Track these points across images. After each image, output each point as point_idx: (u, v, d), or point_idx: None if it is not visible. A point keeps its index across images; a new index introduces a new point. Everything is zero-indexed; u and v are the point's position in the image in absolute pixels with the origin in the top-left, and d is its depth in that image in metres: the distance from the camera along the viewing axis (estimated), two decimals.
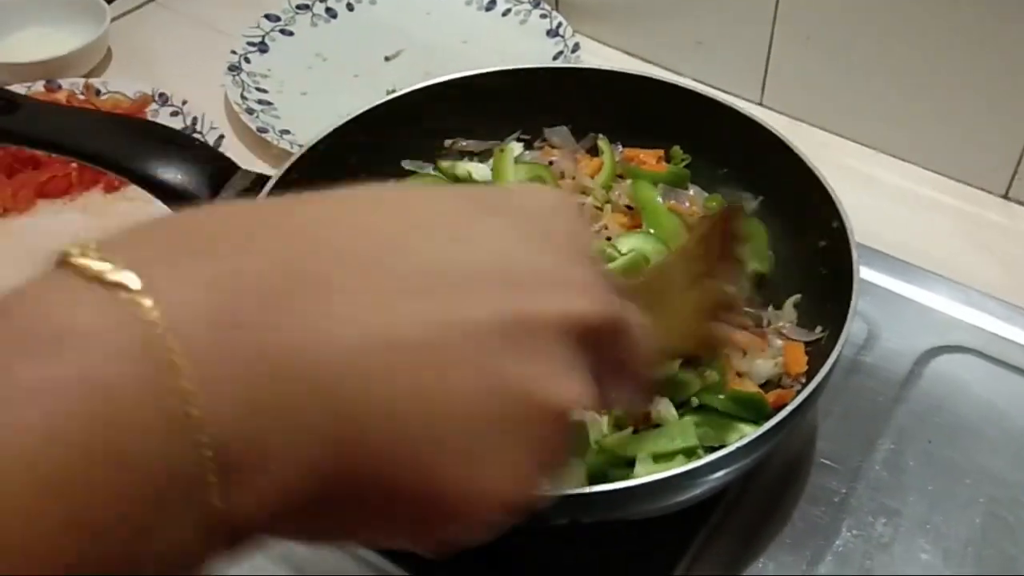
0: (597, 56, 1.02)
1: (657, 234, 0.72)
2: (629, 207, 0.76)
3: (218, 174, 0.68)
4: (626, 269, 0.68)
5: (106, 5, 1.03)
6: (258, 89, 0.97)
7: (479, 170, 0.79)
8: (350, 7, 1.08)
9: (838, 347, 0.58)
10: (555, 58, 0.99)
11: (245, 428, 0.26)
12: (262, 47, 1.02)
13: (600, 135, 0.81)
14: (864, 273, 0.64)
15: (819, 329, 0.67)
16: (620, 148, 0.81)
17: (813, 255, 0.70)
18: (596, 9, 1.04)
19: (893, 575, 0.62)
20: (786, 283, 0.72)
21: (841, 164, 0.90)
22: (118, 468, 0.24)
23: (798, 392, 0.57)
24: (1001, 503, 0.66)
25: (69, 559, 0.23)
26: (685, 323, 0.50)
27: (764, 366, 0.67)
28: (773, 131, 0.72)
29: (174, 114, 0.93)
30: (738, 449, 0.54)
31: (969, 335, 0.75)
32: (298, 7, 1.06)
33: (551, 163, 0.79)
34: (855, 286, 0.62)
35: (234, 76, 0.97)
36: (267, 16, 1.04)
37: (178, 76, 0.99)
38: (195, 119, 0.92)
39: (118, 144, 0.68)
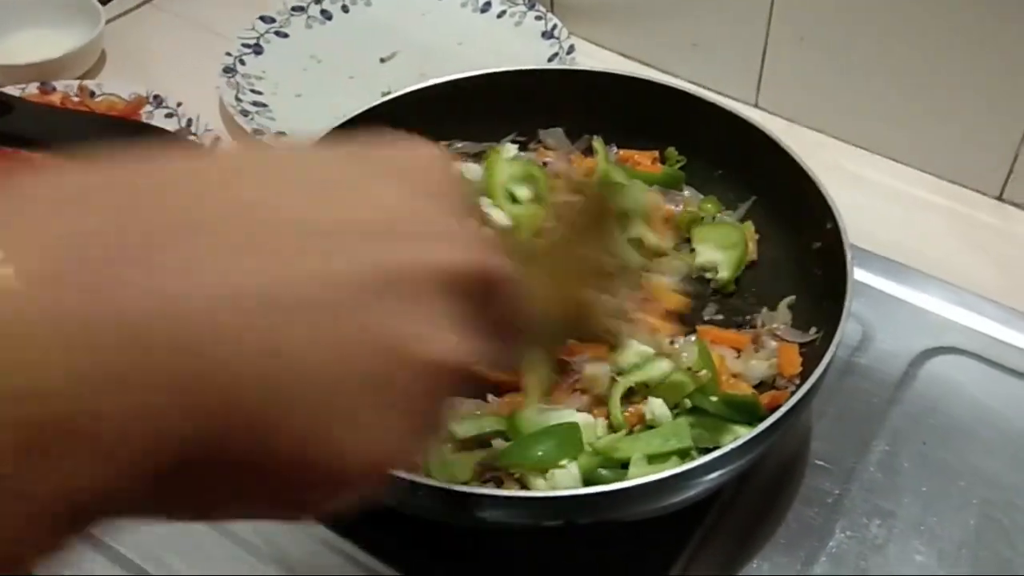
0: (592, 58, 1.02)
1: None
2: None
3: None
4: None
5: (100, 7, 1.02)
6: (253, 91, 0.97)
7: (472, 170, 0.79)
8: (345, 9, 1.08)
9: (832, 348, 0.58)
10: (550, 60, 0.99)
11: (82, 399, 0.24)
12: (257, 49, 1.02)
13: (595, 137, 0.81)
14: (858, 274, 0.64)
15: (813, 330, 0.67)
16: (615, 150, 0.81)
17: (807, 256, 0.70)
18: (591, 11, 1.04)
19: None
20: (780, 284, 0.72)
21: (836, 165, 0.90)
22: None
23: (792, 393, 0.57)
24: (995, 505, 0.66)
25: None
26: (560, 289, 0.50)
27: (758, 367, 0.67)
28: (768, 133, 0.73)
29: (169, 116, 0.93)
30: (732, 450, 0.54)
31: (963, 337, 0.75)
32: (293, 9, 1.06)
33: (545, 164, 0.80)
34: (849, 287, 0.62)
35: (229, 78, 0.97)
36: (262, 18, 1.04)
37: (173, 78, 0.99)
38: (190, 121, 0.92)
39: (113, 146, 0.68)
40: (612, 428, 0.63)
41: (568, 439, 0.59)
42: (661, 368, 0.64)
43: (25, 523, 0.24)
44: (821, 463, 0.68)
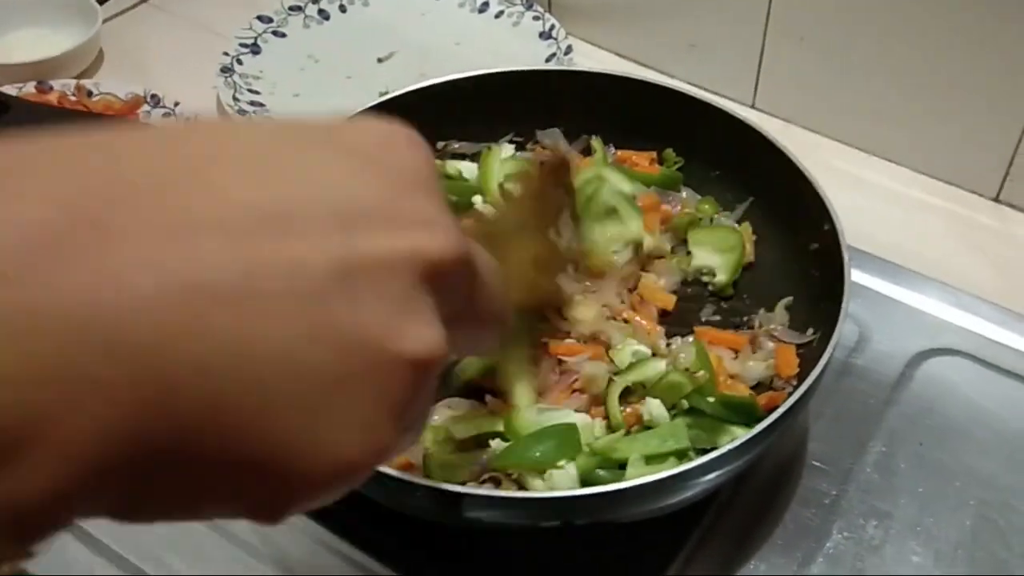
0: (590, 58, 1.02)
1: None
2: None
3: None
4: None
5: (98, 6, 1.02)
6: (250, 91, 0.97)
7: (469, 169, 0.79)
8: (343, 8, 1.08)
9: (829, 349, 0.58)
10: (548, 60, 0.99)
11: (16, 400, 0.22)
12: (254, 48, 1.02)
13: (594, 137, 0.81)
14: (855, 276, 0.64)
15: (810, 331, 0.67)
16: (613, 150, 0.81)
17: (805, 257, 0.70)
18: (589, 11, 1.04)
19: None
20: (778, 285, 0.72)
21: (832, 167, 0.90)
22: None
23: (789, 394, 0.57)
24: (992, 505, 0.66)
25: None
26: (520, 273, 0.49)
27: (756, 368, 0.67)
28: (765, 134, 0.73)
29: (166, 115, 0.93)
30: (729, 451, 0.54)
31: (960, 338, 0.76)
32: (290, 8, 1.06)
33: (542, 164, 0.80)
34: (846, 288, 0.62)
35: (226, 77, 0.97)
36: (259, 17, 1.04)
37: (170, 77, 0.99)
38: (187, 120, 0.92)
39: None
40: (610, 428, 0.63)
41: (566, 440, 0.60)
42: (657, 368, 0.64)
43: None
44: (818, 464, 0.68)
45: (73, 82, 0.95)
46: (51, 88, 0.94)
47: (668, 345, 0.69)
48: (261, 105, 0.95)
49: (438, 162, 0.80)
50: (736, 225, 0.76)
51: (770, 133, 0.73)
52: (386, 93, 0.77)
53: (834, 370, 0.71)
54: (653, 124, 0.79)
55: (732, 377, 0.67)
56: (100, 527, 0.62)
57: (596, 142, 0.80)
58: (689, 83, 0.95)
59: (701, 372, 0.64)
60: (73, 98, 0.94)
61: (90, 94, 0.94)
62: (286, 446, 0.26)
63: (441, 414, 0.63)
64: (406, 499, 0.56)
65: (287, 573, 0.62)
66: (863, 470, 0.68)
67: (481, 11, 1.07)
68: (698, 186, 0.79)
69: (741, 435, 0.55)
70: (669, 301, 0.72)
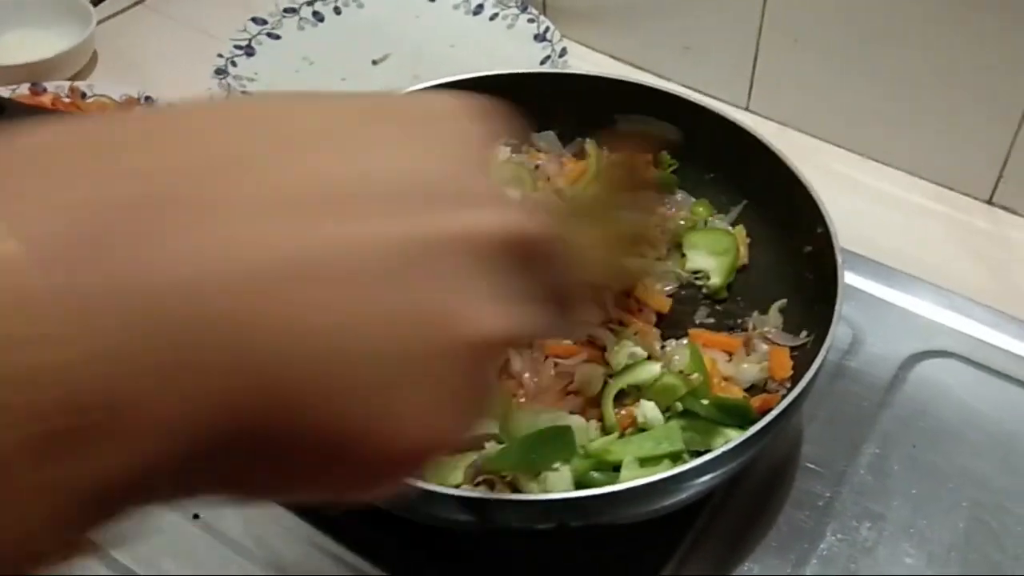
0: (584, 61, 1.02)
1: None
2: None
3: None
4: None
5: (92, 7, 1.02)
6: (245, 93, 0.97)
7: None
8: (337, 11, 1.08)
9: (823, 352, 0.59)
10: (542, 63, 0.99)
11: (109, 379, 0.22)
12: (249, 50, 1.01)
13: (588, 140, 0.81)
14: (849, 278, 0.64)
15: (804, 334, 0.68)
16: (607, 153, 0.81)
17: (798, 260, 0.70)
18: (583, 14, 1.04)
19: None
20: (771, 288, 0.72)
21: (826, 169, 0.90)
22: None
23: (783, 397, 0.58)
24: (985, 507, 0.66)
25: None
26: (601, 254, 0.50)
27: (749, 370, 0.67)
28: (759, 137, 0.73)
29: None
30: (723, 453, 0.54)
31: (953, 340, 0.76)
32: (285, 10, 1.06)
33: (537, 167, 0.80)
34: (840, 291, 0.62)
35: (221, 79, 0.97)
36: (254, 19, 1.04)
37: (164, 79, 0.99)
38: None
39: None
40: (604, 430, 0.63)
41: (561, 442, 0.60)
42: (652, 371, 0.64)
43: (48, 519, 0.22)
44: (812, 466, 0.68)
45: (67, 84, 0.95)
46: (45, 90, 0.94)
47: (662, 347, 0.69)
48: None
49: None
50: (730, 228, 0.77)
51: (764, 136, 0.73)
52: None
53: (828, 372, 0.71)
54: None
55: (726, 379, 0.67)
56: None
57: (591, 145, 0.80)
58: (683, 86, 0.95)
59: (695, 375, 0.64)
60: (67, 100, 0.94)
61: (84, 96, 0.94)
62: (360, 425, 0.26)
63: None
64: (400, 501, 0.56)
65: (278, 571, 0.62)
66: (857, 472, 0.68)
67: (476, 13, 1.07)
68: (692, 189, 0.79)
69: (735, 437, 0.55)
70: (664, 304, 0.72)
